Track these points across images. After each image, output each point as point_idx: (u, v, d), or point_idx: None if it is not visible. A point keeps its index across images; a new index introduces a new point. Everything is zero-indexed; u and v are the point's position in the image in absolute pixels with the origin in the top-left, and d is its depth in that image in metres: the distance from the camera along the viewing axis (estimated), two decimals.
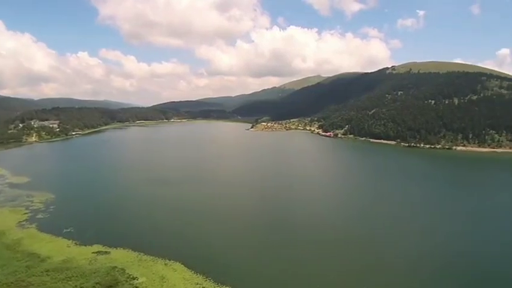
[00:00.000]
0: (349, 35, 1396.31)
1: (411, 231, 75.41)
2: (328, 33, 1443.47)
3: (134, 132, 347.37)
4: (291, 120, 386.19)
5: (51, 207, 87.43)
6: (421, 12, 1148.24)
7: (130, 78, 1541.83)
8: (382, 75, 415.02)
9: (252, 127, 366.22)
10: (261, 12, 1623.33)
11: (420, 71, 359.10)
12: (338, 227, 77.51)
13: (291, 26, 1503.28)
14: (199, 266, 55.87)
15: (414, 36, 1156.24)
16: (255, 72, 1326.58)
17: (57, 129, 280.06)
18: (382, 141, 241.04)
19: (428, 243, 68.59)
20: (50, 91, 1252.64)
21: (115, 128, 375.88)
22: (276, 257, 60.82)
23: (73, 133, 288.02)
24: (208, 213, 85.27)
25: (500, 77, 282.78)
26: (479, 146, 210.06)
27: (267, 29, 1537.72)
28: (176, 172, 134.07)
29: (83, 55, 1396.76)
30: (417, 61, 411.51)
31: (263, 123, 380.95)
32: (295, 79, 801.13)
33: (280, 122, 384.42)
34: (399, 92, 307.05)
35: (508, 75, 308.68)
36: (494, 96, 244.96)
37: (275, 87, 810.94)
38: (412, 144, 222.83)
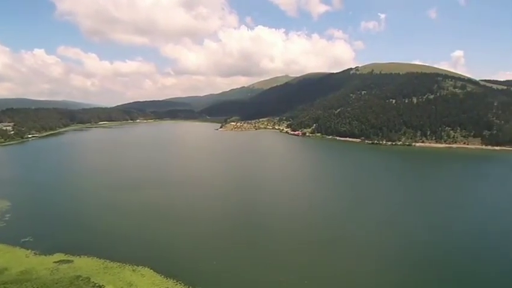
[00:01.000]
0: (315, 36, 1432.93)
1: (381, 224, 78.59)
2: (295, 34, 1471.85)
3: (97, 134, 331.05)
4: (260, 119, 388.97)
5: (7, 215, 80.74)
6: (382, 15, 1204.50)
7: (91, 77, 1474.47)
8: (347, 75, 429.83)
9: (221, 127, 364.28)
10: (228, 11, 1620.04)
11: (382, 72, 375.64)
12: (307, 225, 78.56)
13: (259, 26, 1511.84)
14: (168, 270, 54.22)
15: (376, 38, 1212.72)
16: (223, 72, 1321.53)
17: (12, 132, 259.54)
18: (348, 139, 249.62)
19: (392, 232, 72.45)
20: (3, 91, 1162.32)
21: (75, 130, 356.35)
22: (246, 258, 60.17)
23: (29, 136, 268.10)
24: (176, 216, 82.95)
25: (455, 78, 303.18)
26: (436, 142, 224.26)
27: (235, 28, 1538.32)
28: (141, 175, 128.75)
29: (40, 52, 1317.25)
30: (379, 62, 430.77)
31: (232, 123, 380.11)
32: (263, 79, 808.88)
33: (249, 121, 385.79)
34: (363, 92, 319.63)
35: (462, 75, 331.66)
36: (449, 96, 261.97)
37: (244, 86, 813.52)
38: (375, 141, 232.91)
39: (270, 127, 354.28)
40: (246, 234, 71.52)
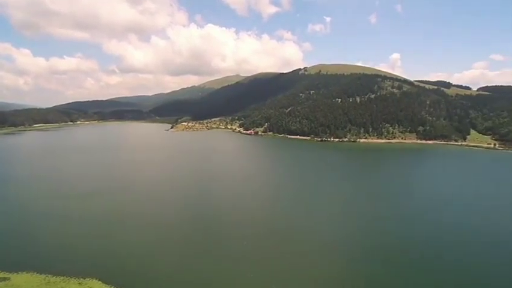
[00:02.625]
0: (265, 36, 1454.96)
1: (330, 215, 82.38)
2: (246, 34, 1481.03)
3: (31, 138, 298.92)
4: (212, 119, 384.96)
5: None
6: (328, 19, 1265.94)
7: (24, 75, 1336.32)
8: (296, 75, 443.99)
9: (171, 127, 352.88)
10: (177, 8, 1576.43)
11: (328, 72, 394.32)
12: (259, 223, 79.13)
13: (209, 24, 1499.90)
14: (117, 280, 51.15)
15: (322, 40, 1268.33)
16: (173, 71, 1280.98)
17: None
18: (298, 137, 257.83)
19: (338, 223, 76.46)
20: None
21: (6, 134, 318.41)
22: (198, 265, 58.30)
23: None
24: (123, 223, 77.56)
25: (392, 78, 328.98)
26: (378, 138, 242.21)
27: (184, 26, 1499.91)
28: (83, 182, 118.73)
29: None
30: (326, 63, 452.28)
31: (183, 123, 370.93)
32: (215, 78, 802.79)
33: (201, 121, 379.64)
34: (311, 92, 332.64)
35: (399, 76, 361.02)
36: (388, 95, 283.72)
37: (195, 86, 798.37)
38: (324, 138, 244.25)
39: (223, 127, 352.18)
40: (198, 239, 69.51)
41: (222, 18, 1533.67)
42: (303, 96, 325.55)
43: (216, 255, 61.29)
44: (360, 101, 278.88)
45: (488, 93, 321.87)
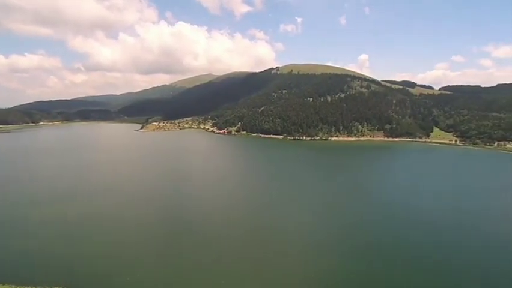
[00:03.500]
0: (238, 35, 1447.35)
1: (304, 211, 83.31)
2: (218, 32, 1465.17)
3: None
4: (185, 119, 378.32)
5: None
6: (299, 19, 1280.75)
7: None
8: (268, 75, 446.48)
9: (142, 128, 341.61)
10: (147, 5, 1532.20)
11: (300, 72, 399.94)
12: (238, 229, 78.42)
13: (180, 22, 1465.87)
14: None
15: (294, 40, 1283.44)
16: (143, 69, 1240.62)
17: None
18: (272, 136, 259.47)
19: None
20: None
21: None
22: (171, 269, 56.56)
23: None
24: (91, 228, 73.90)
25: (361, 78, 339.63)
26: (348, 136, 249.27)
27: (154, 23, 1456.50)
28: (48, 186, 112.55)
29: None
30: (298, 63, 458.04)
31: (154, 123, 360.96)
32: (187, 77, 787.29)
33: (173, 121, 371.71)
34: (284, 91, 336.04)
35: (367, 76, 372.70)
36: (357, 95, 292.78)
37: (166, 85, 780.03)
38: (296, 137, 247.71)
39: (195, 126, 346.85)
40: (172, 242, 67.67)
41: (193, 16, 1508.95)
42: (275, 96, 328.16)
43: (191, 258, 60.05)
44: (331, 100, 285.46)
45: (449, 92, 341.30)
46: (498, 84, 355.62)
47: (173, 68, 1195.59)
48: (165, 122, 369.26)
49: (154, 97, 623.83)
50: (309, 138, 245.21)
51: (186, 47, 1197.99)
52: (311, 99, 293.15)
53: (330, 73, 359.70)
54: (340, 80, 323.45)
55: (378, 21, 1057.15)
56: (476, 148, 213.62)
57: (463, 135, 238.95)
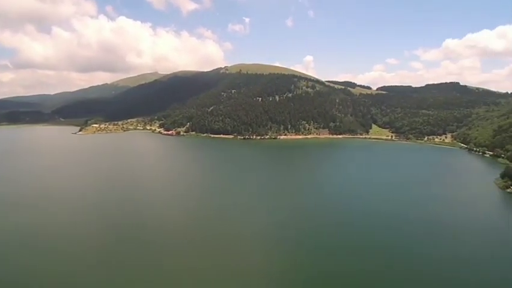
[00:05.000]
0: (185, 33, 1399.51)
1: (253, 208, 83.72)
2: (163, 30, 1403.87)
3: None
4: (129, 120, 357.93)
5: None
6: (247, 19, 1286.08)
7: None
8: (217, 74, 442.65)
9: (80, 130, 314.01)
10: None
11: (248, 72, 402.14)
12: (184, 232, 76.29)
13: (122, 17, 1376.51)
14: None
15: (242, 40, 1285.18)
16: (80, 66, 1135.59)
17: None
18: (222, 136, 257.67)
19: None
20: None
21: None
22: (115, 278, 53.80)
23: None
24: (24, 239, 66.88)
25: (307, 79, 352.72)
26: (296, 134, 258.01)
27: (92, 17, 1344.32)
28: None
29: None
30: (246, 63, 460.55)
31: (95, 125, 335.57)
32: (130, 75, 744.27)
33: (116, 122, 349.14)
34: (233, 91, 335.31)
35: (312, 77, 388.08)
36: (303, 94, 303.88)
37: (107, 83, 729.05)
38: (246, 136, 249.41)
39: (141, 128, 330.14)
40: (114, 249, 64.20)
41: (136, 11, 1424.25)
42: (225, 95, 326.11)
43: (136, 264, 58.38)
44: (279, 100, 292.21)
45: (385, 92, 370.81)
46: (427, 85, 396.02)
47: (114, 65, 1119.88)
48: (107, 123, 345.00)
49: (94, 97, 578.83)
50: (259, 138, 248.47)
51: (129, 43, 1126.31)
52: (260, 98, 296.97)
53: (277, 73, 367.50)
54: (287, 80, 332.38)
55: (322, 24, 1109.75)
56: (409, 142, 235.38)
57: (398, 131, 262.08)
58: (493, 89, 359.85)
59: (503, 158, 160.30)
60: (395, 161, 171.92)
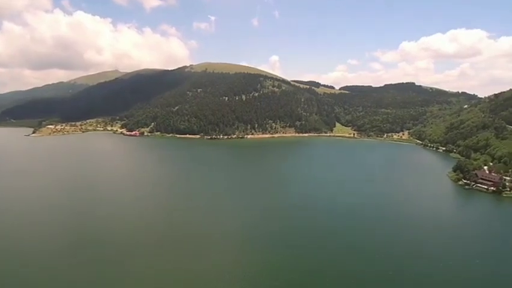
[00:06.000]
0: (148, 30, 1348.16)
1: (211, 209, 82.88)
2: (125, 26, 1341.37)
3: None
4: (88, 120, 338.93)
5: None
6: (213, 18, 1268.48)
7: None
8: (182, 73, 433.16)
9: (34, 132, 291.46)
10: None
11: (214, 71, 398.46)
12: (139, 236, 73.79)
13: (79, 12, 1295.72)
14: None
15: (208, 38, 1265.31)
16: (34, 63, 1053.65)
17: None
18: (188, 135, 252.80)
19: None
20: None
21: None
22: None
23: None
24: None
25: (273, 78, 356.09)
26: (263, 133, 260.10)
27: (47, 11, 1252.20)
28: None
29: None
30: (212, 62, 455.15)
31: (50, 126, 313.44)
32: (89, 73, 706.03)
33: (74, 123, 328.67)
34: (199, 90, 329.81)
35: (278, 76, 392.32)
36: (270, 94, 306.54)
37: (63, 82, 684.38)
38: (213, 136, 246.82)
39: (101, 128, 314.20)
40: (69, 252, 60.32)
41: (94, 6, 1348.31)
42: (190, 95, 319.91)
43: (98, 267, 56.58)
44: (245, 99, 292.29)
45: (347, 91, 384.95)
46: (385, 85, 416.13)
47: (71, 63, 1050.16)
48: (64, 124, 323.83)
49: (49, 96, 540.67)
50: (226, 137, 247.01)
51: (87, 39, 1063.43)
52: (227, 98, 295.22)
53: (244, 73, 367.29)
54: (254, 80, 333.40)
55: (287, 25, 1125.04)
56: (370, 139, 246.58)
57: (360, 129, 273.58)
58: (445, 88, 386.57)
59: (454, 152, 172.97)
60: (358, 157, 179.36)
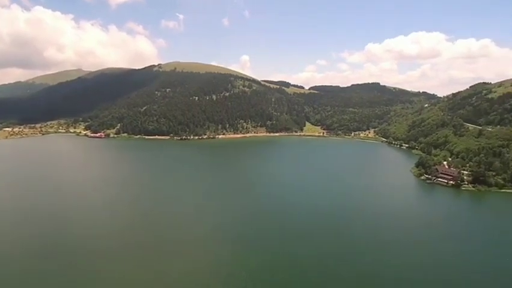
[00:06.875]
0: (113, 27, 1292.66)
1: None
2: (88, 23, 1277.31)
3: None
4: (49, 122, 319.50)
5: None
6: (181, 16, 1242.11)
7: None
8: (150, 72, 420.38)
9: None
10: None
11: (184, 70, 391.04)
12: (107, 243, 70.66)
13: (38, 7, 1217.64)
14: None
15: (177, 37, 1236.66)
16: None
17: None
18: (157, 137, 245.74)
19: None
20: None
21: None
22: None
23: None
24: None
25: (243, 78, 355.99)
26: (234, 133, 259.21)
27: (3, 6, 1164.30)
28: None
29: None
30: (181, 61, 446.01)
31: (7, 129, 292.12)
32: (50, 72, 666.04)
33: (33, 125, 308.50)
34: (168, 89, 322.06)
35: (248, 76, 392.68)
36: (240, 93, 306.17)
37: (20, 81, 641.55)
38: (184, 137, 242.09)
39: (63, 130, 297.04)
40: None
41: (55, 1, 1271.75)
42: (159, 94, 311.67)
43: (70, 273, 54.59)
44: (216, 99, 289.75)
45: (316, 91, 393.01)
46: (352, 85, 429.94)
47: (30, 61, 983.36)
48: (22, 127, 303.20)
49: (5, 96, 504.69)
50: (196, 137, 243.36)
51: (47, 37, 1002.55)
52: (197, 98, 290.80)
53: (214, 72, 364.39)
54: (224, 79, 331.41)
55: (257, 25, 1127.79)
56: (338, 138, 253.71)
57: (329, 128, 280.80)
58: (408, 88, 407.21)
59: (416, 149, 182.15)
60: (327, 156, 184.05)
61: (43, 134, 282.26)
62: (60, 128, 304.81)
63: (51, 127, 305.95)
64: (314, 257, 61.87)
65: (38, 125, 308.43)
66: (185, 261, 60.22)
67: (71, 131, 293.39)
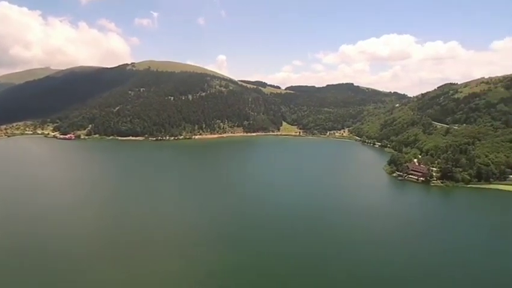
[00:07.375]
0: (83, 24, 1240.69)
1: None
2: (57, 19, 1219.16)
3: None
4: (15, 123, 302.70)
5: None
6: (155, 14, 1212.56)
7: None
8: (123, 71, 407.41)
9: None
10: None
11: (158, 70, 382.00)
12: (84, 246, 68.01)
13: (3, 2, 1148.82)
14: None
15: (151, 35, 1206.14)
16: None
17: None
18: (131, 138, 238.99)
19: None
20: None
21: None
22: None
23: None
24: None
25: (220, 78, 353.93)
26: (211, 133, 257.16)
27: None
28: None
29: None
30: (156, 60, 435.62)
31: None
32: (15, 71, 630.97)
33: None
34: (142, 89, 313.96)
35: (225, 76, 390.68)
36: (217, 93, 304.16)
37: None
38: (159, 137, 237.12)
39: (30, 132, 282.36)
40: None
41: None
42: (132, 94, 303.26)
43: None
44: (192, 99, 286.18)
45: (293, 91, 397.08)
46: (327, 85, 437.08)
47: None
48: None
49: None
50: (172, 138, 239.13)
51: (13, 33, 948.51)
52: (172, 97, 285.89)
53: (190, 72, 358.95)
54: (200, 79, 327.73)
55: (234, 24, 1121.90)
56: (314, 137, 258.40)
57: (305, 127, 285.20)
58: (379, 89, 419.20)
59: (388, 147, 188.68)
60: (304, 155, 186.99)
61: (8, 136, 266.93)
62: (27, 129, 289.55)
63: (17, 128, 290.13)
64: (292, 257, 62.38)
65: (2, 127, 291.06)
66: (161, 262, 59.05)
67: (39, 132, 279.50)
